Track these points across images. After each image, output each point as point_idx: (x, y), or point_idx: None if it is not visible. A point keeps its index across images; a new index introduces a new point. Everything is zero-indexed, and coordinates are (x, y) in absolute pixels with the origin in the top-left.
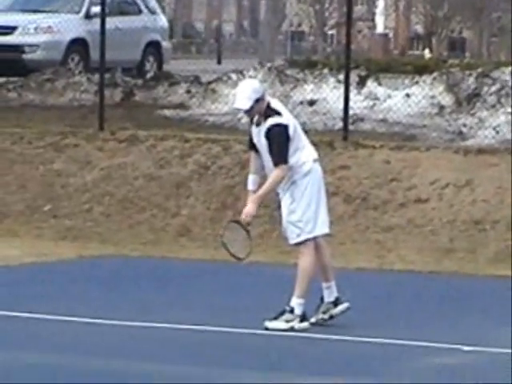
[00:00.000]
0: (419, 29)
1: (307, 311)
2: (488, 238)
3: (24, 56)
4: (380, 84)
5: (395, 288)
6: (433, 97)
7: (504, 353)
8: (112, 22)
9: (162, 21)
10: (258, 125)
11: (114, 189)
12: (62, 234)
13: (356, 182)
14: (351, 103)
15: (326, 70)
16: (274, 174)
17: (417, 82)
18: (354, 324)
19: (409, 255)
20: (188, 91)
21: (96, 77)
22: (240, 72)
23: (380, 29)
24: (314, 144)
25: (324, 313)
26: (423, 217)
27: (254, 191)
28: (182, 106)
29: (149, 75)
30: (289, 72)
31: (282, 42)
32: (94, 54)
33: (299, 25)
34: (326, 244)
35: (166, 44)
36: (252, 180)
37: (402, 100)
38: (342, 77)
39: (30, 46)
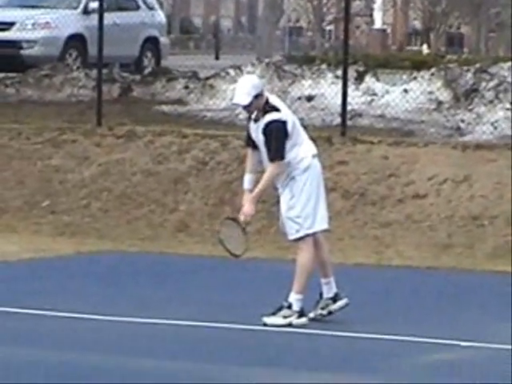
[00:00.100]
0: (417, 24)
1: (306, 307)
2: (486, 234)
3: (22, 52)
4: (378, 79)
5: (393, 284)
6: (431, 92)
7: (502, 348)
8: (110, 18)
9: (160, 16)
10: (256, 121)
11: (112, 184)
12: (60, 230)
13: (354, 177)
14: (349, 99)
15: (324, 66)
16: (268, 170)
17: (415, 78)
18: (352, 320)
19: (407, 251)
20: (186, 87)
21: (94, 72)
22: (238, 68)
23: (378, 24)
24: (312, 139)
25: (323, 308)
26: (421, 212)
27: (250, 190)
28: (179, 101)
29: (147, 71)
30: (287, 67)
31: (279, 38)
32: (92, 50)
33: (297, 20)
34: (324, 240)
35: (163, 39)
36: (248, 179)
37: (400, 95)
38: (340, 72)
39: (28, 41)
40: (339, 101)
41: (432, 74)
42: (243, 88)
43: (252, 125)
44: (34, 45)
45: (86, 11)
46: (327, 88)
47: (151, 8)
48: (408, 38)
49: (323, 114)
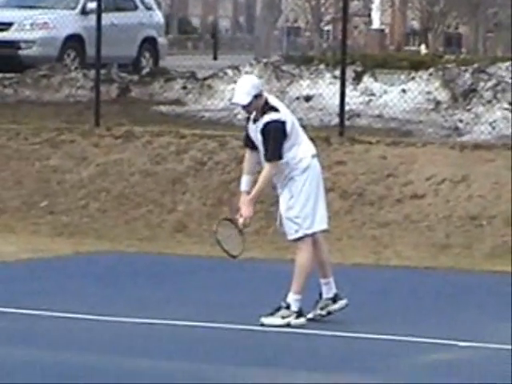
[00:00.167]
0: (415, 24)
1: (305, 307)
2: (484, 234)
3: (20, 52)
4: (376, 80)
5: (391, 284)
6: (429, 92)
7: (501, 348)
8: (108, 18)
9: (158, 16)
10: (255, 121)
11: (110, 185)
12: (58, 230)
13: (352, 177)
14: (347, 99)
15: (322, 66)
16: (265, 170)
17: (413, 78)
18: (351, 320)
19: (405, 251)
20: (184, 87)
21: (92, 73)
22: (236, 68)
23: (376, 24)
24: (311, 140)
25: (322, 309)
26: (419, 212)
27: (248, 192)
28: (178, 101)
29: (145, 71)
30: (285, 68)
31: (277, 38)
32: (90, 50)
33: (295, 20)
34: (324, 240)
35: (161, 40)
36: (245, 180)
37: (398, 96)
38: (338, 72)
39: (26, 42)
40: (337, 101)
41: (430, 74)
42: (243, 88)
43: (251, 125)
44: (32, 45)
45: (84, 11)
46: (325, 88)
47: (149, 8)
48: (406, 38)
49: (321, 114)
